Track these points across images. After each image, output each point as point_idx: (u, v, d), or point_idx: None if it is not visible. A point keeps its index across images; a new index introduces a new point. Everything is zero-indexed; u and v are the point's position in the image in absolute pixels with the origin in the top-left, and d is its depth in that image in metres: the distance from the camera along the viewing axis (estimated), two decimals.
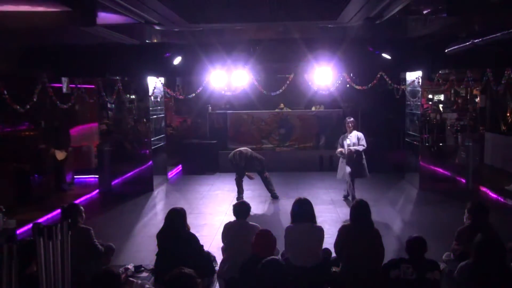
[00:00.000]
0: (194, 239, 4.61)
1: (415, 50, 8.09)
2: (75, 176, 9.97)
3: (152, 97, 9.48)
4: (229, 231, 4.74)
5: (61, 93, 8.27)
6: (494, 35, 6.09)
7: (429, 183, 9.02)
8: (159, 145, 9.98)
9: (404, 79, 9.79)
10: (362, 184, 9.35)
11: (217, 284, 4.67)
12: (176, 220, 4.58)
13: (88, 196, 8.93)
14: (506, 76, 7.76)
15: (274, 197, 8.35)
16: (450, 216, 6.82)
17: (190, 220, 5.15)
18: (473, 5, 5.15)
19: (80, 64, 7.91)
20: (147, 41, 7.82)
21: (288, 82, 8.58)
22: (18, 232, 5.75)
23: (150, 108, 9.54)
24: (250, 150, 8.30)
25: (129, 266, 5.02)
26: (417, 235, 3.89)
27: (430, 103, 14.27)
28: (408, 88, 9.48)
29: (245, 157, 8.03)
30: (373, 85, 8.73)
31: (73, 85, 8.23)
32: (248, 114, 11.57)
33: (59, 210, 6.34)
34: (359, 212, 4.29)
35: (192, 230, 4.76)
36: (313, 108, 12.28)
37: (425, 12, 5.37)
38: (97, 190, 9.30)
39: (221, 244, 4.83)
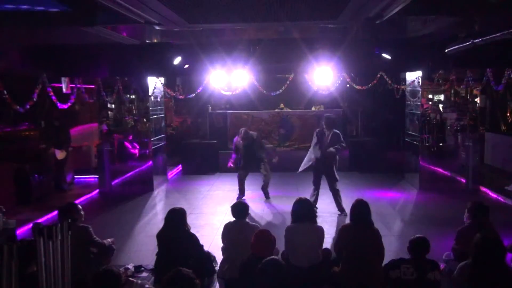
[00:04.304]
0: (194, 239, 4.61)
1: (415, 50, 8.08)
2: (75, 176, 9.97)
3: (152, 97, 9.48)
4: (229, 231, 4.74)
5: (61, 93, 8.25)
6: (494, 35, 6.09)
7: (429, 183, 9.02)
8: (159, 145, 9.98)
9: (404, 79, 9.79)
10: (363, 184, 9.37)
11: (217, 284, 4.67)
12: (176, 220, 4.58)
13: (88, 196, 8.92)
14: (506, 76, 7.75)
15: (267, 197, 8.37)
16: (450, 216, 6.82)
17: (190, 220, 5.15)
18: (473, 5, 5.14)
19: (80, 64, 7.90)
20: (147, 41, 7.82)
21: (288, 82, 8.58)
22: (18, 232, 5.74)
23: (150, 108, 9.54)
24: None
25: (129, 266, 5.02)
26: (420, 235, 3.89)
27: (430, 103, 14.28)
28: (408, 88, 9.47)
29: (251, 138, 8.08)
30: (373, 85, 8.73)
31: (73, 85, 8.22)
32: (248, 114, 11.57)
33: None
34: (359, 212, 4.30)
35: (192, 230, 4.76)
36: (313, 108, 12.29)
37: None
38: (97, 190, 9.30)
39: (221, 244, 4.83)
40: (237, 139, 8.26)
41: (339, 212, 7.27)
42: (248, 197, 8.18)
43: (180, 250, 4.41)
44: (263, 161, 8.22)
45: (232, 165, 8.41)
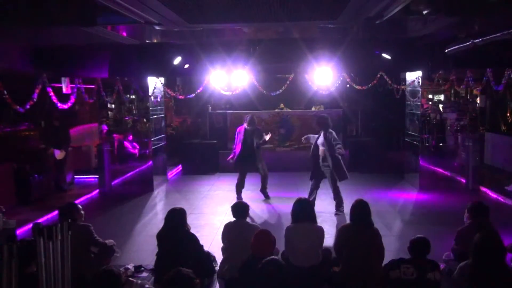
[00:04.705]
0: (194, 239, 4.62)
1: (415, 50, 8.09)
2: (75, 176, 9.97)
3: (152, 97, 9.48)
4: (229, 231, 4.74)
5: (61, 93, 8.26)
6: (494, 35, 6.10)
7: (429, 183, 9.03)
8: (159, 145, 9.98)
9: (404, 79, 9.80)
10: (363, 184, 9.37)
11: (217, 284, 4.67)
12: (176, 220, 4.58)
13: (88, 196, 8.92)
14: (506, 76, 7.76)
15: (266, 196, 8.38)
16: (450, 216, 6.82)
17: (190, 220, 5.16)
18: (473, 5, 5.14)
19: (80, 64, 7.90)
20: (147, 41, 7.82)
21: (288, 82, 8.58)
22: (18, 232, 5.75)
23: (150, 108, 9.55)
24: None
25: (129, 266, 5.02)
26: (421, 235, 3.89)
27: (430, 103, 14.29)
28: (408, 88, 9.48)
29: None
30: (373, 85, 8.73)
31: (73, 85, 8.22)
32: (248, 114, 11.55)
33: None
34: (359, 212, 4.30)
35: (192, 230, 4.77)
36: (313, 108, 12.29)
37: (425, 12, 5.37)
38: (97, 190, 9.30)
39: (221, 244, 4.83)
40: (240, 128, 8.22)
41: (335, 211, 7.26)
42: (248, 197, 8.17)
43: (180, 250, 4.41)
44: (259, 156, 8.17)
45: (232, 157, 8.29)
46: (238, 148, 8.13)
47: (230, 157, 8.34)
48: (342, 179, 7.18)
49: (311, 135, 7.53)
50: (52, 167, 9.09)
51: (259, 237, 4.03)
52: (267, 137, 8.17)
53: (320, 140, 7.22)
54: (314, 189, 7.40)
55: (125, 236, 6.43)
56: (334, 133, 7.28)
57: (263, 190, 8.36)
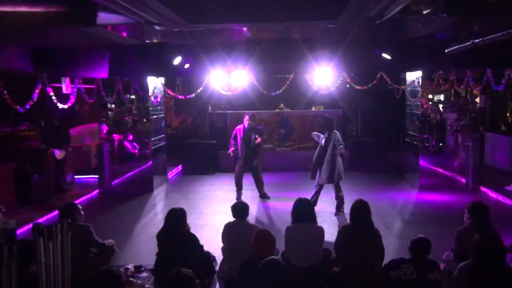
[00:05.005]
0: (194, 239, 4.62)
1: (415, 50, 8.08)
2: (75, 176, 9.97)
3: (152, 97, 9.48)
4: (229, 231, 4.74)
5: (61, 93, 8.25)
6: (494, 35, 6.09)
7: (429, 183, 9.03)
8: (159, 145, 9.98)
9: (404, 79, 9.80)
10: (363, 184, 9.38)
11: (217, 284, 4.67)
12: (176, 220, 4.58)
13: (88, 196, 8.92)
14: (506, 76, 7.76)
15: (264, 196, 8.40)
16: (450, 216, 6.82)
17: (190, 220, 5.15)
18: (473, 5, 5.14)
19: (80, 64, 7.90)
20: (147, 41, 7.82)
21: (288, 82, 8.58)
22: (18, 232, 5.74)
23: (150, 108, 9.54)
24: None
25: (129, 266, 5.02)
26: (422, 235, 3.89)
27: (430, 103, 14.30)
28: (408, 88, 9.48)
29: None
30: (373, 85, 8.74)
31: (73, 85, 8.22)
32: None
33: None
34: (359, 212, 4.30)
35: (192, 230, 4.77)
36: (313, 108, 12.29)
37: (425, 12, 5.37)
38: (97, 190, 9.30)
39: (221, 244, 4.83)
40: (240, 127, 8.21)
41: (335, 212, 7.27)
42: (248, 197, 8.18)
43: (180, 250, 4.41)
44: (259, 156, 8.17)
45: (232, 150, 8.26)
46: (242, 150, 8.13)
47: (231, 150, 8.33)
48: (331, 182, 7.23)
49: (321, 135, 7.51)
50: (52, 167, 9.08)
51: (259, 237, 4.03)
52: (258, 140, 8.22)
53: (325, 141, 7.23)
54: (318, 191, 7.39)
55: (125, 236, 6.43)
56: (338, 134, 7.27)
57: (262, 194, 8.37)
